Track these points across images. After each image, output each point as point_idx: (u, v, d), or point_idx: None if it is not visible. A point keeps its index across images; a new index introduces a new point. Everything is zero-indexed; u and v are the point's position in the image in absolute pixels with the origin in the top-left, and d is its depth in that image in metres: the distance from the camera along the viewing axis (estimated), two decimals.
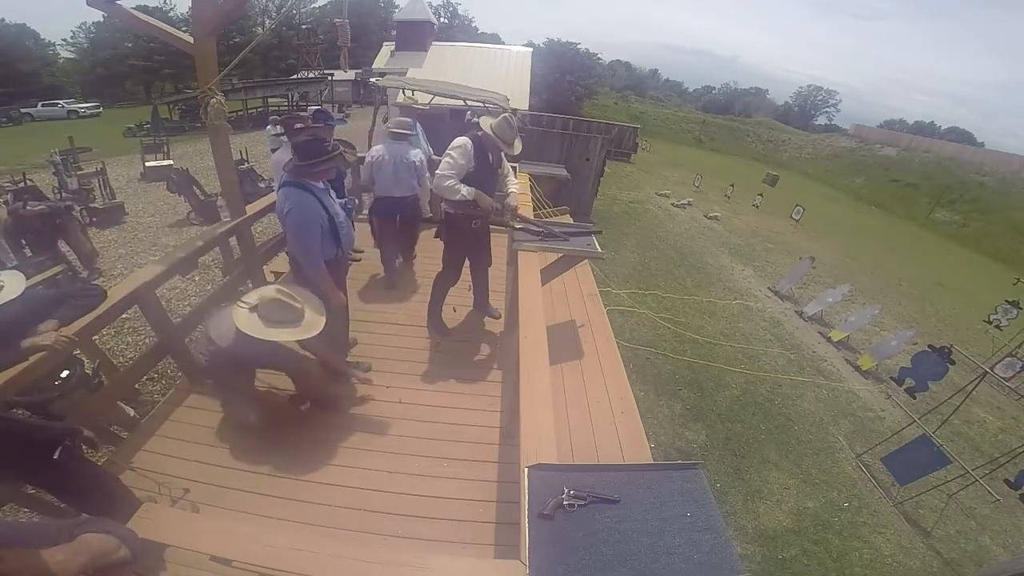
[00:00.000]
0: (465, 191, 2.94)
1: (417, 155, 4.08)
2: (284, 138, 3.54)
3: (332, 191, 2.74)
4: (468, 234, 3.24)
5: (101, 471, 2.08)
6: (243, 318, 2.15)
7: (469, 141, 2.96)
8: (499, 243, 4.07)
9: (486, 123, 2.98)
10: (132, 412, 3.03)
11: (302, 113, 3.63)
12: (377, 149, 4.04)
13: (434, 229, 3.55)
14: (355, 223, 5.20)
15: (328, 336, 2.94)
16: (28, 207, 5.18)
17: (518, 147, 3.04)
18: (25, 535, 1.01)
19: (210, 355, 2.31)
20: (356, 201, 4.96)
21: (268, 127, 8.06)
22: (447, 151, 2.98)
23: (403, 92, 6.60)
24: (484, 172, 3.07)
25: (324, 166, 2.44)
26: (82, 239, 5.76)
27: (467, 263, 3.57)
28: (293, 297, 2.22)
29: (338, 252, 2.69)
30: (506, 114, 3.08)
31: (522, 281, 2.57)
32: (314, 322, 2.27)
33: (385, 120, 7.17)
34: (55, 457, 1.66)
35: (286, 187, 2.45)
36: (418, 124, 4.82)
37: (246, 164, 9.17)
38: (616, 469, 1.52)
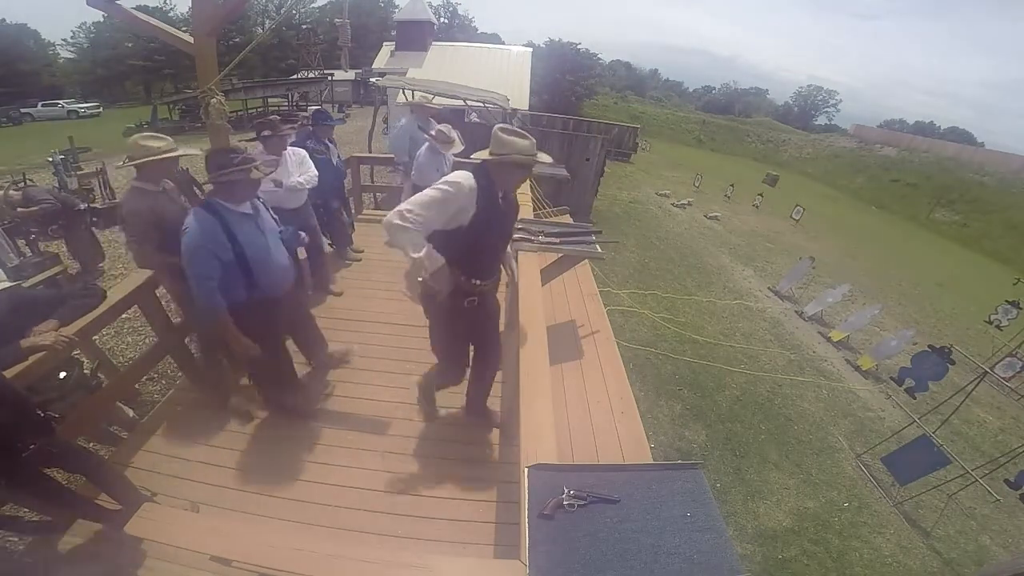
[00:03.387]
0: (423, 255, 1.84)
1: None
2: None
3: (274, 216, 2.39)
4: (460, 315, 2.15)
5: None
6: None
7: (471, 178, 1.90)
8: None
9: (482, 154, 1.97)
10: (132, 412, 3.03)
11: (302, 112, 3.60)
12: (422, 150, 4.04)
13: None
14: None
15: (269, 380, 2.59)
16: (19, 209, 5.14)
17: (546, 156, 2.04)
18: None
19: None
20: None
21: None
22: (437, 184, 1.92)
23: (403, 92, 6.59)
24: (491, 216, 1.97)
25: (227, 179, 2.07)
26: (86, 241, 5.74)
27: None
28: None
29: (253, 293, 2.20)
30: (499, 124, 2.03)
31: (522, 281, 2.57)
32: None
33: (385, 120, 7.14)
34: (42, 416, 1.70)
35: (195, 208, 2.11)
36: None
37: None
38: (616, 469, 1.53)
